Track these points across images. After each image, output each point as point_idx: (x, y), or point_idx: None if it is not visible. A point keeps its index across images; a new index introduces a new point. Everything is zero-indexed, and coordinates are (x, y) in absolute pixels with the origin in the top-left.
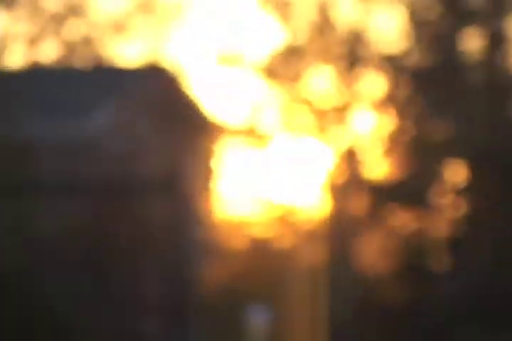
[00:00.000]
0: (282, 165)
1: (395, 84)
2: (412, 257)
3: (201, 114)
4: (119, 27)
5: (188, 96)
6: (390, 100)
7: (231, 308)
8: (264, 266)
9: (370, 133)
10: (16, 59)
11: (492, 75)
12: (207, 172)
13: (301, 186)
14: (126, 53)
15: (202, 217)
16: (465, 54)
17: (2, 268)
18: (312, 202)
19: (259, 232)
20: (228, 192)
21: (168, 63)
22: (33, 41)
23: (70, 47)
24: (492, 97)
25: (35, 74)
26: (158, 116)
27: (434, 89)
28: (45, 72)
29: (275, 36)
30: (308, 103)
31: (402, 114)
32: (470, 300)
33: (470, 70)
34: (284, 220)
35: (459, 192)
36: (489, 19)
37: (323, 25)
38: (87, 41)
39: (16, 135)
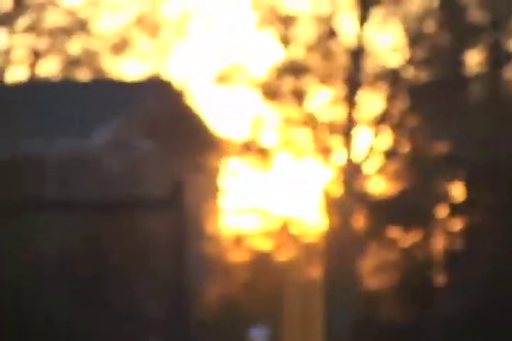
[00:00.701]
0: (283, 180)
1: (394, 99)
2: (412, 272)
3: (205, 128)
4: (122, 42)
5: (192, 111)
6: (389, 115)
7: (231, 325)
8: (265, 280)
9: (370, 148)
10: (18, 72)
11: (493, 90)
12: (210, 187)
13: (302, 201)
14: (129, 68)
15: (205, 232)
16: (466, 68)
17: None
18: (312, 217)
19: (260, 246)
20: (230, 207)
21: (171, 78)
22: (36, 55)
23: (73, 62)
24: (493, 112)
25: (37, 88)
26: (162, 130)
27: (434, 103)
28: (47, 85)
29: (276, 53)
30: (308, 118)
31: (401, 129)
32: (471, 316)
33: (471, 85)
34: (285, 234)
35: (458, 206)
36: (490, 33)
37: (323, 41)
38: (90, 55)
39: (16, 151)
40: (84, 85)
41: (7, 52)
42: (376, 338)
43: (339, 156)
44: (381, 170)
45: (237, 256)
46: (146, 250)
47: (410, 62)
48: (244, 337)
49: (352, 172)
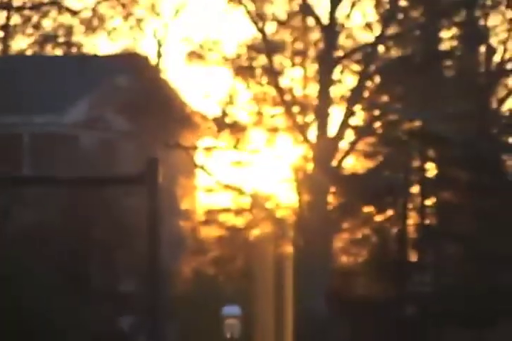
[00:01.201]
0: (256, 156)
1: (367, 76)
2: (385, 248)
3: (181, 104)
4: (96, 17)
5: (167, 86)
6: (362, 92)
7: (205, 301)
8: (238, 256)
9: (343, 124)
10: None
11: (465, 66)
12: (184, 163)
13: (275, 177)
14: (104, 43)
15: (179, 208)
16: (438, 44)
17: None
18: (286, 193)
19: (233, 222)
20: (204, 182)
21: (146, 53)
22: (9, 31)
23: (47, 37)
24: (464, 88)
25: (10, 64)
26: (137, 106)
27: (407, 80)
28: (21, 61)
29: (248, 30)
30: (280, 94)
31: (374, 105)
32: (442, 291)
33: (444, 61)
34: (259, 210)
35: (431, 183)
36: (464, 9)
37: (295, 18)
38: (64, 31)
39: None
40: (59, 61)
41: None
42: (350, 313)
43: (312, 133)
44: (353, 147)
45: (211, 232)
46: (121, 226)
47: (384, 39)
48: (217, 314)
49: (325, 149)
